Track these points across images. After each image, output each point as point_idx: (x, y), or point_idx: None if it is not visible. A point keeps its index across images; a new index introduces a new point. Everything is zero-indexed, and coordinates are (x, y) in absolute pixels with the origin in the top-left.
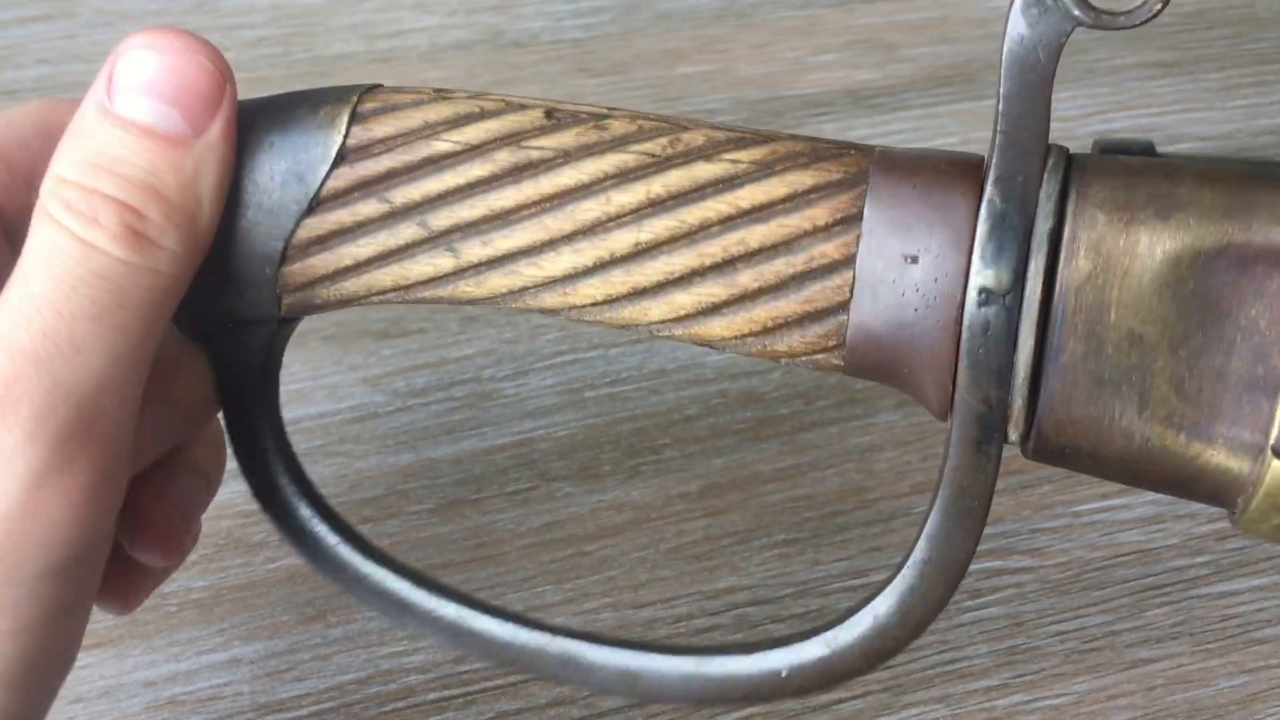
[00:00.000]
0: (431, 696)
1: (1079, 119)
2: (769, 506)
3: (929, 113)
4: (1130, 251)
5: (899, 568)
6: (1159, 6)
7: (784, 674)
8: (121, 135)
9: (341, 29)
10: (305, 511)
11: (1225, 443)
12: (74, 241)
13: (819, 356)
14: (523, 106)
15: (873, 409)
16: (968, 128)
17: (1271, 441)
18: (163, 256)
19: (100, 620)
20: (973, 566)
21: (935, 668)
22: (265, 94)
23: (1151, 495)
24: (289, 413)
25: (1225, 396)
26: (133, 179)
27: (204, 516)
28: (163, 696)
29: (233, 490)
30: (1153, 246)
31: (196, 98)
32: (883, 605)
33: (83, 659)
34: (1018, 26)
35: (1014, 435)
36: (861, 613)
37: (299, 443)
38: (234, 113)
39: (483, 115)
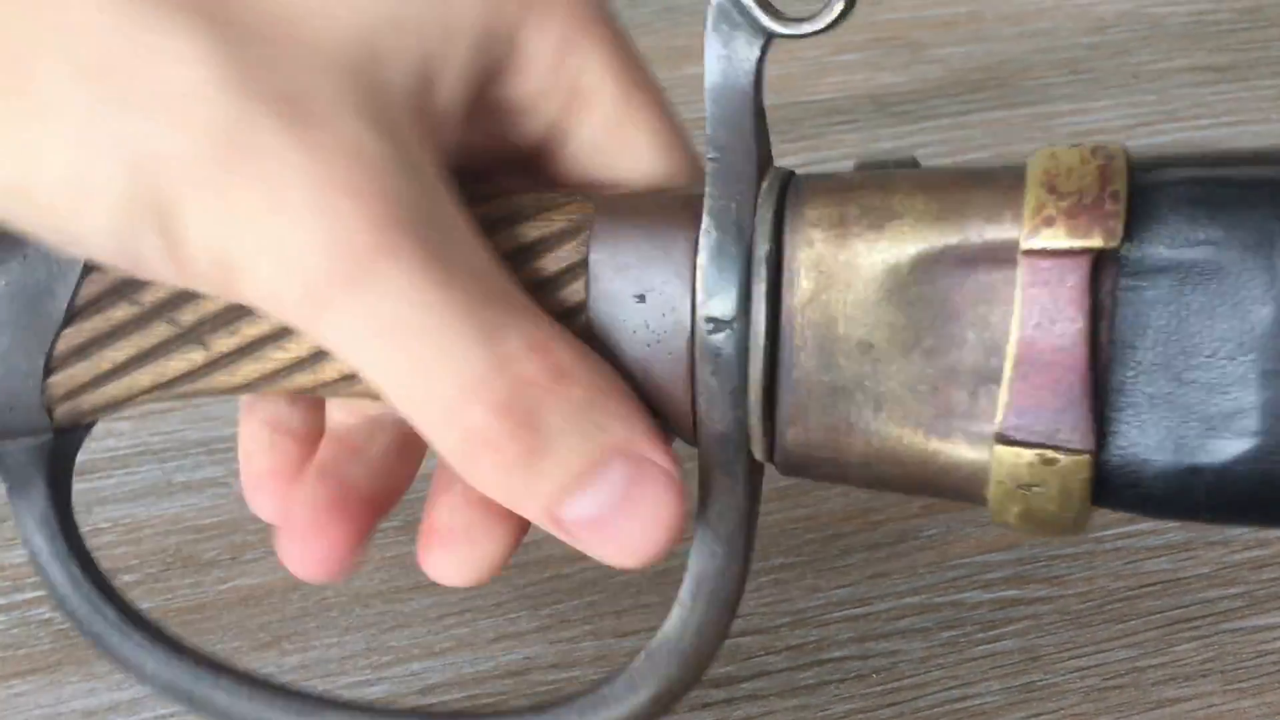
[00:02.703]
0: None
1: (1122, 130)
2: (766, 528)
3: (958, 121)
4: (850, 264)
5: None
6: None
7: None
8: None
9: None
10: (101, 609)
11: (963, 436)
12: None
13: None
14: None
15: None
16: (1000, 139)
17: (995, 427)
18: None
19: (36, 645)
20: (987, 595)
21: (943, 705)
22: None
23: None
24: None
25: (960, 391)
26: None
27: (150, 532)
28: None
29: (181, 504)
30: (870, 257)
31: None
32: (658, 649)
33: (17, 686)
34: (712, 48)
35: (759, 453)
36: (636, 663)
37: None
38: None
39: None
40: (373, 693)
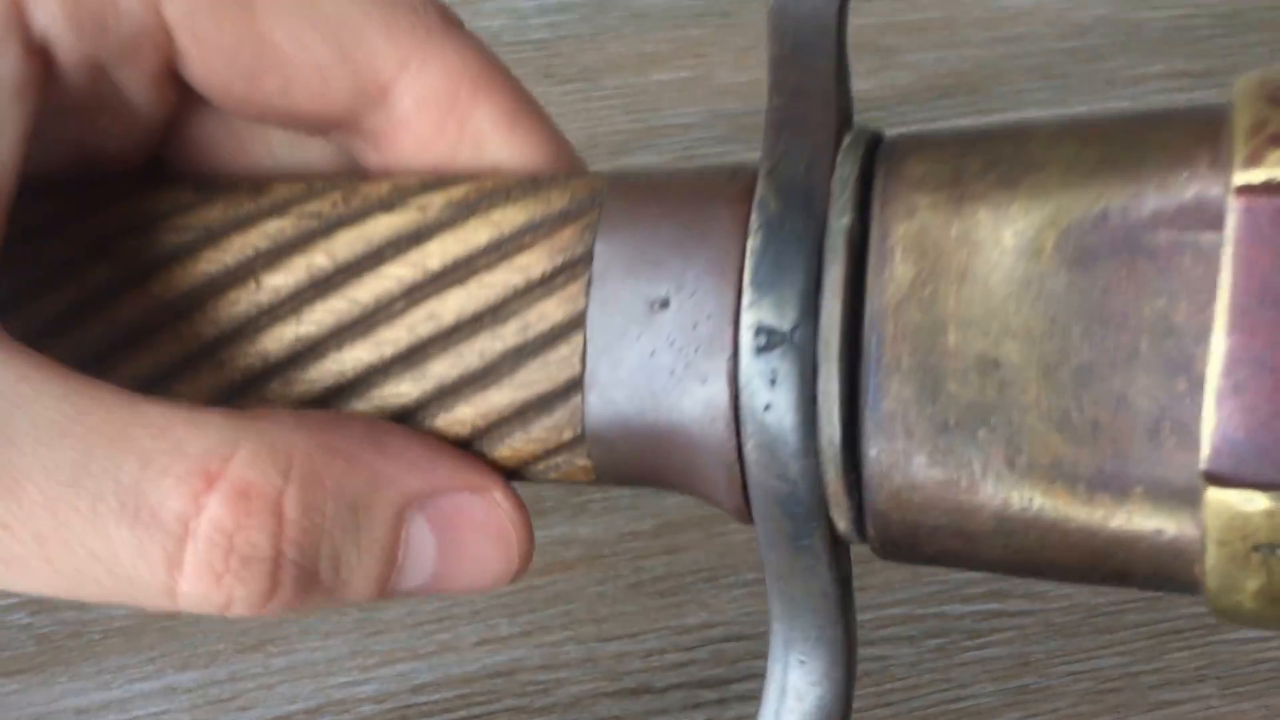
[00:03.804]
0: None
1: None
2: (733, 545)
3: (925, 128)
4: (968, 240)
5: None
6: None
7: None
8: None
9: None
10: None
11: (1145, 491)
12: None
13: (558, 460)
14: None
15: None
16: None
17: (1201, 465)
18: None
19: (20, 648)
20: (967, 608)
21: (938, 705)
22: None
23: None
24: None
25: (1134, 428)
26: None
27: None
28: None
29: None
30: (998, 230)
31: None
32: None
33: (7, 686)
34: None
35: (842, 523)
36: None
37: None
38: None
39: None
40: (363, 692)
